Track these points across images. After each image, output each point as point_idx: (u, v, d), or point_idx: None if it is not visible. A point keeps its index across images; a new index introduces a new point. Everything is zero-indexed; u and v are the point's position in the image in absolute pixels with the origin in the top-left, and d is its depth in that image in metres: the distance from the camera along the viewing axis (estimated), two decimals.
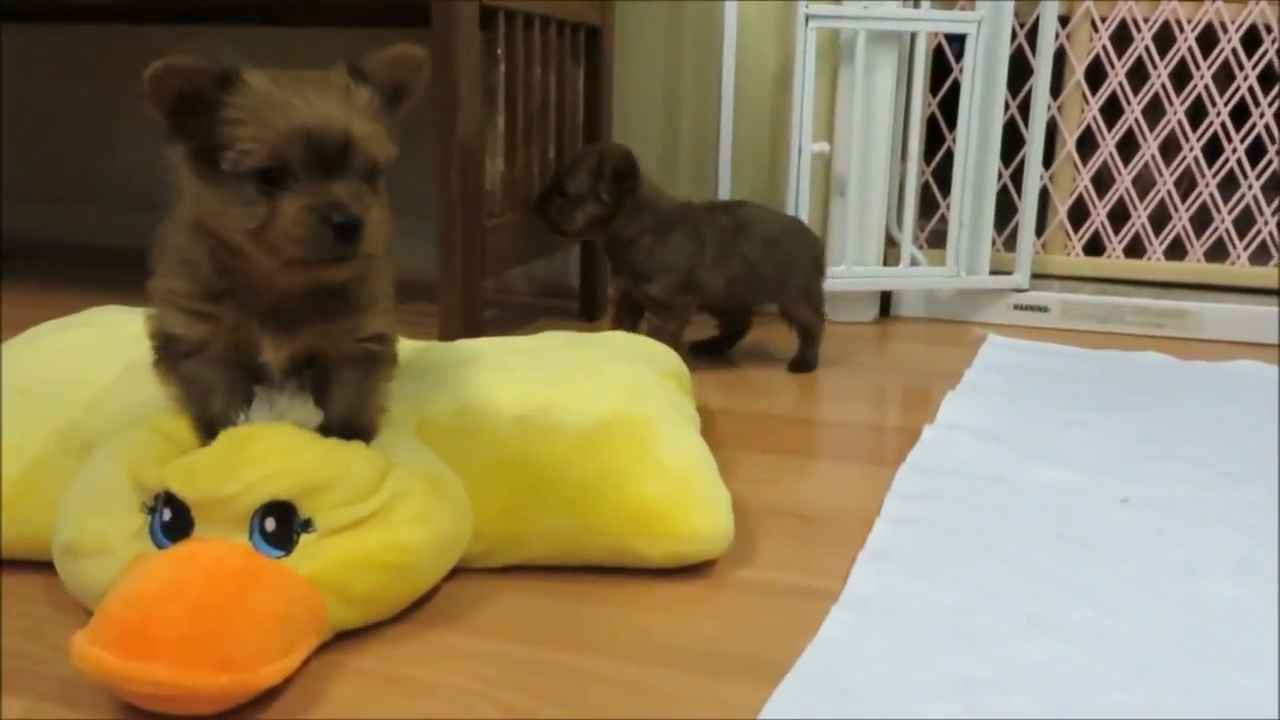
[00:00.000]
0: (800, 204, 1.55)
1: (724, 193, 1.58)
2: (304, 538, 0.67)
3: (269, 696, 0.62)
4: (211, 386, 0.69)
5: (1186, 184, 1.66)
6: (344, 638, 0.68)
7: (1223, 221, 1.65)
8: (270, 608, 0.63)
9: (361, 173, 0.62)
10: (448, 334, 1.22)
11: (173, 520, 0.67)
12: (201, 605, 0.61)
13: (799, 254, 1.35)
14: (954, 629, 0.70)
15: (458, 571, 0.77)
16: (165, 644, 0.59)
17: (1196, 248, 1.67)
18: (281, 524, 0.67)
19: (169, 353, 0.68)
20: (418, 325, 1.20)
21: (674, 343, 1.16)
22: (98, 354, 0.88)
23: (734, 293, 1.33)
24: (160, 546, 0.67)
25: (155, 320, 0.68)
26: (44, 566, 0.73)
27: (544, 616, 0.73)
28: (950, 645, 0.68)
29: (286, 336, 0.68)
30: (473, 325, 1.25)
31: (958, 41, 1.60)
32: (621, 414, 0.85)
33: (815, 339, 1.38)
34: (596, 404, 0.86)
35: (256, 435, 0.68)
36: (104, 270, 1.90)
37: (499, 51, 1.23)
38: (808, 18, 1.52)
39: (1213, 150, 1.63)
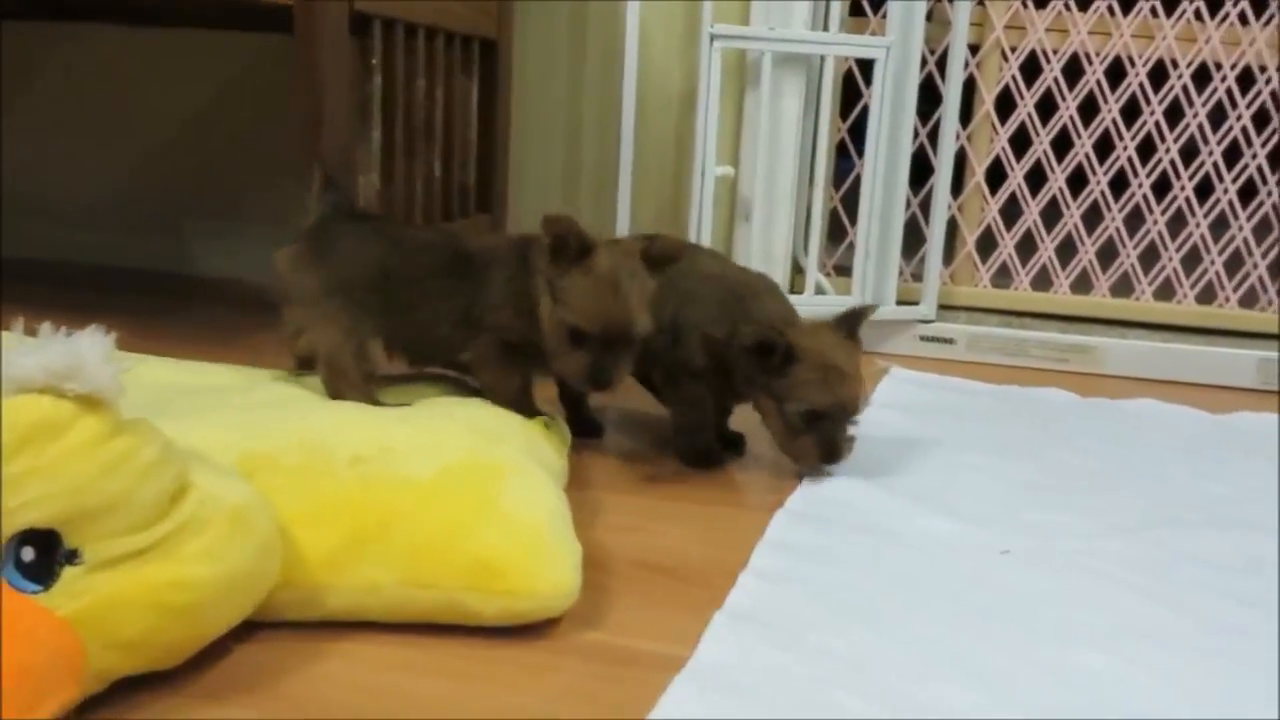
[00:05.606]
0: (704, 228, 1.50)
1: (623, 217, 1.53)
2: (67, 571, 0.59)
3: None
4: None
5: (1094, 217, 1.64)
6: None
7: (1129, 256, 1.63)
8: (14, 657, 0.55)
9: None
10: None
11: None
12: None
13: None
14: (804, 704, 0.65)
15: (260, 628, 0.70)
16: None
17: (1102, 282, 1.65)
18: (42, 554, 0.59)
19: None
20: (273, 349, 1.11)
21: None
22: None
23: None
24: None
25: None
26: None
27: (352, 689, 0.65)
28: None
29: None
30: None
31: (869, 66, 1.57)
32: (469, 461, 0.79)
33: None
34: (443, 449, 0.79)
35: (25, 446, 0.58)
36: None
37: (374, 62, 1.16)
38: (713, 37, 1.47)
39: (1119, 184, 1.62)
